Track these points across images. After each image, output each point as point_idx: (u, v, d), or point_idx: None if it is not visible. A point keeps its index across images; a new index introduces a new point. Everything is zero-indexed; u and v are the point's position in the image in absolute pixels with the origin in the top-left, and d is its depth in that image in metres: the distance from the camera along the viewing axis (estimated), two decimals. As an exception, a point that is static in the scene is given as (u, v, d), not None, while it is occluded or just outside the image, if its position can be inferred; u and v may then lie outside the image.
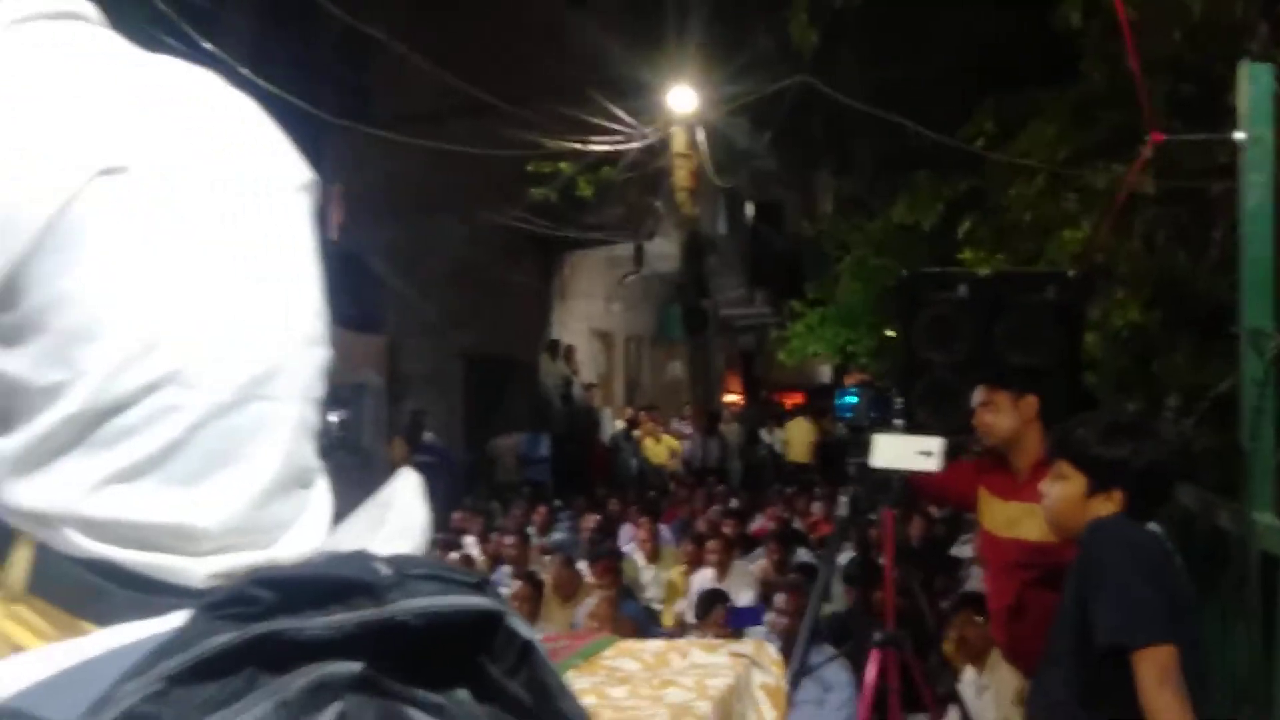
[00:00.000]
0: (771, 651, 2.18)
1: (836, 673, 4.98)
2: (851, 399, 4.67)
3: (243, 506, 1.24)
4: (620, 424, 16.29)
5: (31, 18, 1.23)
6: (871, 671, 4.22)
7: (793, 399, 20.64)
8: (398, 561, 1.14)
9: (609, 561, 6.98)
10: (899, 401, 5.04)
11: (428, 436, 12.73)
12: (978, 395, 3.84)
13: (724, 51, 14.40)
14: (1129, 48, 5.05)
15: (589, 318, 18.04)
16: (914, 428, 4.62)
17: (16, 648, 1.16)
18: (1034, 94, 8.40)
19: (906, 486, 4.37)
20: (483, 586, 1.17)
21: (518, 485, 13.37)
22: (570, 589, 6.91)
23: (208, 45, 8.28)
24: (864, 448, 4.29)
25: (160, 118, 1.23)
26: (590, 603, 6.47)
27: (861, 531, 4.54)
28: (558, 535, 9.63)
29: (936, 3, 12.21)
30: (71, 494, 1.13)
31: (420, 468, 1.68)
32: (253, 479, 1.25)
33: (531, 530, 9.41)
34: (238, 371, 1.21)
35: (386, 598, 1.09)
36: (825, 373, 21.51)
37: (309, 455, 1.34)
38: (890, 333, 14.14)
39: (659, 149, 15.13)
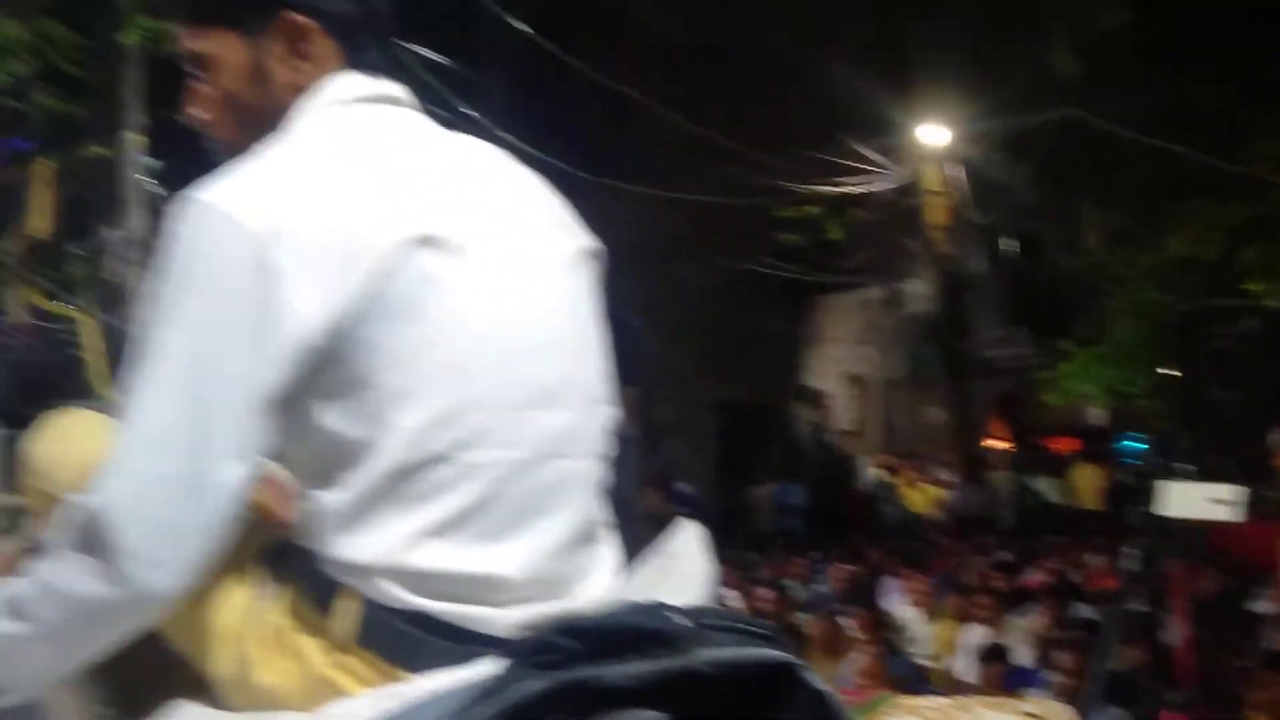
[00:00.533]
0: (1061, 712, 2.06)
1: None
2: (1137, 443, 4.42)
3: (544, 559, 1.29)
4: (877, 471, 15.97)
5: (353, 101, 1.33)
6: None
7: (1062, 443, 19.75)
8: (694, 612, 1.15)
9: (875, 615, 6.82)
10: (1186, 446, 4.76)
11: (680, 486, 12.85)
12: (1276, 437, 3.57)
13: (977, 84, 14.08)
14: None
15: (842, 362, 17.84)
16: (1204, 473, 4.34)
17: (341, 694, 1.23)
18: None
19: (1200, 537, 4.10)
20: (776, 638, 1.17)
21: (773, 535, 13.28)
22: (835, 644, 6.78)
23: (466, 109, 8.72)
24: (1151, 495, 4.05)
25: (465, 194, 1.31)
26: (857, 658, 6.32)
27: (1151, 585, 4.27)
28: (817, 587, 9.49)
29: (1207, 22, 11.56)
30: (391, 548, 1.21)
31: (673, 519, 1.69)
32: (553, 532, 1.30)
33: (789, 582, 9.31)
34: (539, 432, 1.28)
35: (684, 648, 1.10)
36: (1095, 415, 20.47)
37: (599, 509, 1.39)
38: (1170, 371, 13.36)
39: (911, 187, 14.89)
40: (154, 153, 8.17)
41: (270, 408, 1.17)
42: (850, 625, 7.08)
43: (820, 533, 13.40)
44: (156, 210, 8.41)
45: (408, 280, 1.19)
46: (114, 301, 7.92)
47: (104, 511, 1.14)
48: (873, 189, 13.92)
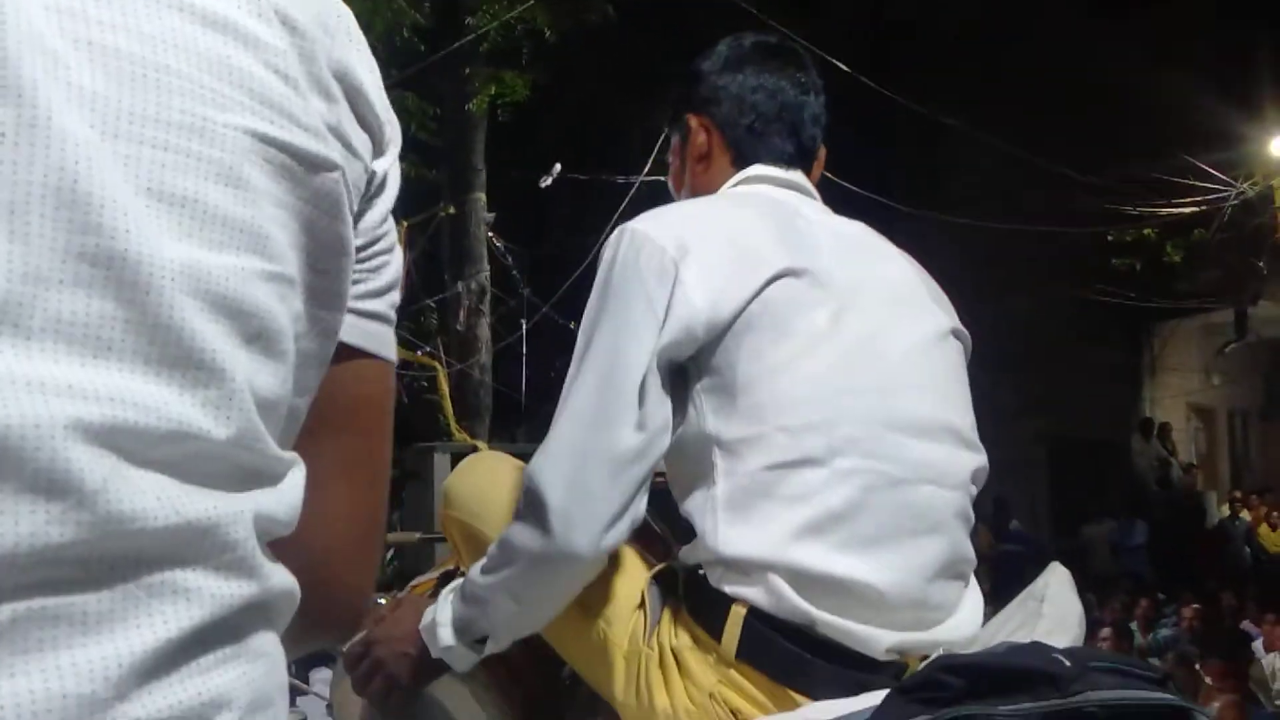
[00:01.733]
0: None
1: None
2: None
3: (914, 578, 1.35)
4: (1227, 508, 14.84)
5: (756, 180, 1.59)
6: None
7: None
8: (1077, 654, 1.17)
9: (1234, 662, 6.36)
10: None
11: (1014, 525, 12.39)
12: None
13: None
14: None
15: (1185, 393, 16.71)
16: None
17: (731, 710, 1.32)
18: None
19: None
20: (1166, 682, 1.16)
21: (1114, 576, 12.57)
22: (1188, 691, 6.37)
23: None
24: None
25: (845, 252, 1.47)
26: (1215, 707, 5.93)
27: None
28: (1164, 631, 8.93)
29: None
30: (774, 541, 1.31)
31: (1007, 557, 1.70)
32: (923, 554, 1.37)
33: (1133, 625, 8.81)
34: (910, 455, 1.38)
35: (1071, 689, 1.12)
36: None
37: (968, 545, 1.43)
38: None
39: (1258, 205, 13.83)
40: (494, 208, 8.76)
41: (664, 387, 1.35)
42: (1205, 672, 6.64)
43: (1165, 574, 12.58)
44: (498, 261, 9.00)
45: (782, 300, 1.36)
46: (462, 348, 8.52)
47: (536, 476, 1.33)
48: (1215, 207, 13.03)
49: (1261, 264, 14.82)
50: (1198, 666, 6.75)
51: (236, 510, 0.60)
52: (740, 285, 1.36)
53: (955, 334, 1.54)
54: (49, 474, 0.53)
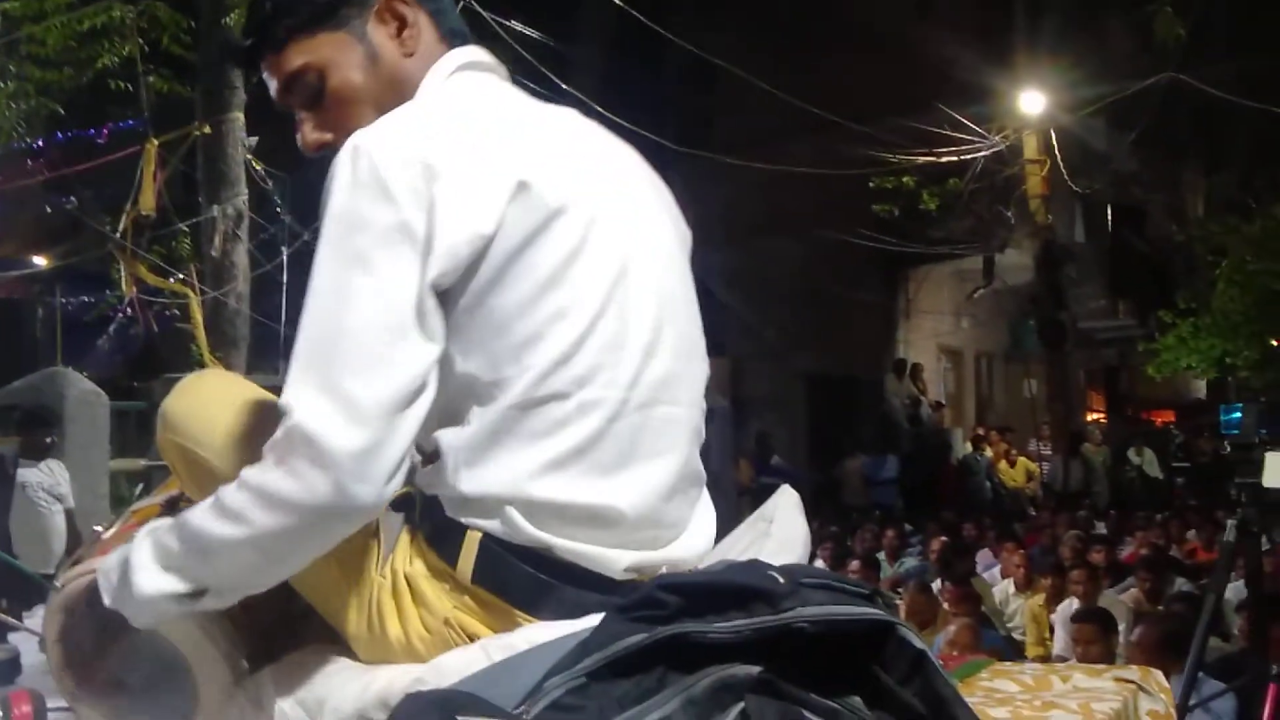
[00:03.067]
0: (1159, 678, 2.05)
1: (1228, 712, 4.61)
2: (1237, 414, 4.33)
3: (653, 498, 1.35)
4: (971, 445, 15.78)
5: (464, 69, 1.45)
6: (1268, 709, 3.89)
7: (1163, 416, 19.31)
8: (791, 570, 1.19)
9: (968, 588, 6.77)
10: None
11: (774, 459, 12.83)
12: None
13: (1077, 50, 13.75)
14: None
15: (937, 335, 17.61)
16: (1310, 444, 4.25)
17: (468, 635, 1.30)
18: None
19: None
20: (874, 597, 1.20)
21: (865, 508, 13.21)
22: (928, 616, 6.75)
23: (563, 85, 8.79)
24: (1253, 466, 3.96)
25: (575, 158, 1.39)
26: (950, 630, 6.30)
27: (1253, 559, 4.19)
28: (909, 561, 9.44)
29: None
30: (515, 479, 1.28)
31: (766, 490, 1.73)
32: (660, 473, 1.36)
33: (881, 556, 9.27)
34: (647, 374, 1.35)
35: (783, 605, 1.14)
36: (1200, 387, 19.97)
37: (699, 461, 1.44)
38: (1276, 342, 12.99)
39: (1009, 156, 14.61)
40: (254, 130, 8.37)
41: (435, 320, 1.25)
42: (943, 598, 7.05)
43: (914, 507, 13.30)
44: (257, 186, 8.63)
45: (529, 225, 1.28)
46: (218, 275, 8.15)
47: (308, 420, 1.20)
48: (970, 158, 13.69)
49: (1010, 214, 15.69)
50: (934, 593, 7.17)
51: None
52: (491, 209, 1.26)
53: (683, 239, 1.52)
54: None
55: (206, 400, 1.48)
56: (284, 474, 1.21)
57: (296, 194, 9.11)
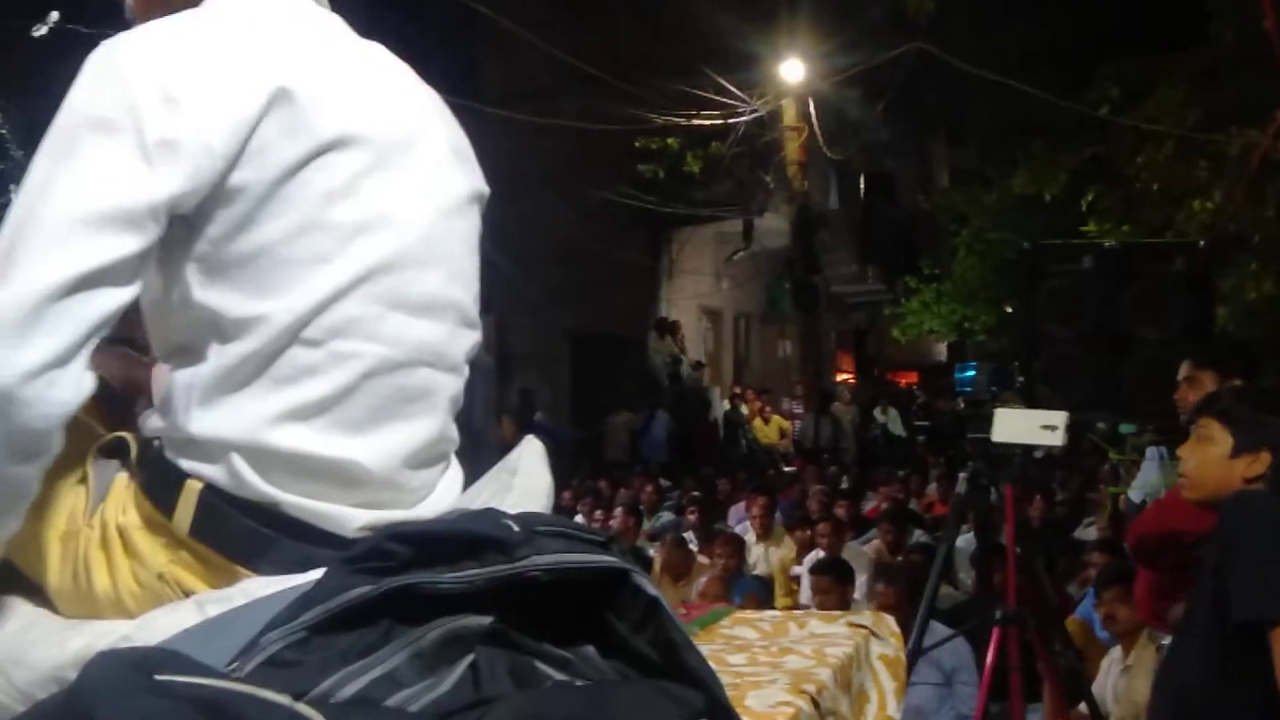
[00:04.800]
0: (891, 623, 2.14)
1: (958, 654, 4.90)
2: (971, 373, 4.58)
3: (397, 461, 1.28)
4: (728, 403, 16.25)
5: None
6: (992, 651, 4.15)
7: (907, 378, 20.37)
8: (526, 519, 1.15)
9: (720, 540, 6.99)
10: (1019, 378, 4.94)
11: (538, 416, 12.86)
12: (1183, 370, 3.72)
13: (834, 21, 14.20)
14: (1266, 5, 4.84)
15: (698, 295, 18.00)
16: (1035, 404, 4.53)
17: (184, 590, 1.21)
18: (1159, 57, 8.11)
19: (1026, 462, 4.26)
20: (609, 545, 1.18)
21: (627, 464, 13.42)
22: (682, 569, 6.91)
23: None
24: (984, 423, 4.19)
25: (370, 92, 1.29)
26: (701, 582, 6.47)
27: (981, 510, 4.45)
28: (665, 515, 9.65)
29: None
30: (252, 423, 1.19)
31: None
32: (409, 436, 1.29)
33: (641, 509, 9.44)
34: (410, 336, 1.27)
35: (516, 554, 1.11)
36: (941, 350, 21.15)
37: (453, 427, 1.38)
38: (1010, 308, 13.84)
39: (768, 122, 14.99)
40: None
41: (139, 214, 1.12)
42: (697, 550, 7.24)
43: (673, 463, 13.60)
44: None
45: (293, 156, 1.18)
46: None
47: None
48: (731, 123, 13.97)
49: (769, 178, 16.14)
50: (691, 546, 7.35)
51: None
52: (248, 137, 1.16)
53: (477, 197, 1.42)
54: None
55: None
56: None
57: (30, 128, 8.47)
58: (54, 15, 7.55)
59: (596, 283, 14.43)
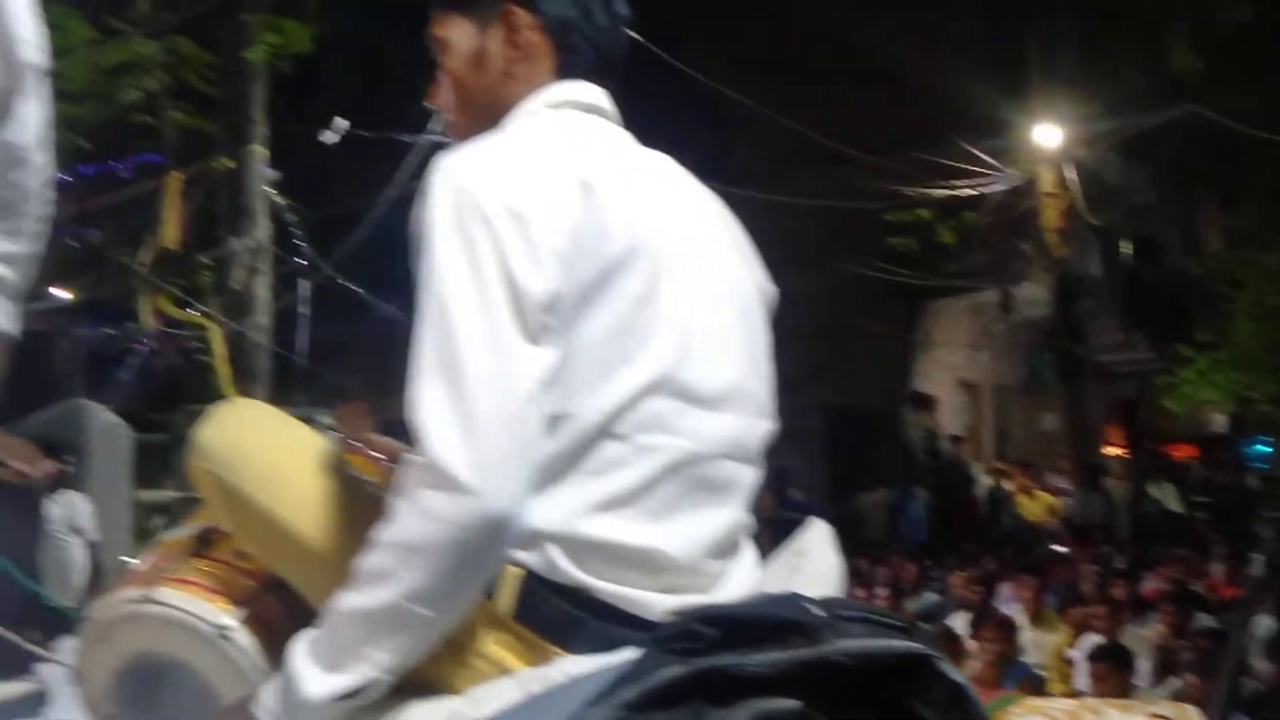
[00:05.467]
0: (1195, 715, 2.04)
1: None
2: (1264, 448, 4.30)
3: (700, 549, 1.35)
4: (991, 478, 15.71)
5: (564, 105, 1.46)
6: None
7: (1183, 450, 19.18)
8: (828, 604, 1.19)
9: (990, 622, 6.75)
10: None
11: (793, 492, 12.78)
12: None
13: (1092, 84, 13.77)
14: None
15: (954, 368, 17.57)
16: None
17: (503, 669, 1.29)
18: None
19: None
20: (911, 630, 1.20)
21: (885, 542, 13.13)
22: (950, 651, 6.70)
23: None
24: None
25: (660, 203, 1.40)
26: (972, 665, 6.25)
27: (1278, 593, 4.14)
28: (929, 595, 9.38)
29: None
30: (566, 515, 1.28)
31: (785, 524, 1.74)
32: (711, 526, 1.37)
33: (902, 591, 9.22)
34: (709, 429, 1.36)
35: (820, 638, 1.14)
36: (1218, 421, 19.83)
37: (748, 516, 1.45)
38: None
39: (1024, 190, 14.61)
40: (275, 164, 8.44)
41: (531, 317, 1.25)
42: (965, 632, 7.01)
43: (933, 541, 13.21)
44: (279, 220, 8.68)
45: (606, 262, 1.29)
46: (239, 308, 8.20)
47: (436, 457, 1.21)
48: (985, 191, 13.69)
49: (1026, 247, 15.69)
50: (959, 630, 7.12)
51: None
52: (575, 238, 1.27)
53: (762, 291, 1.52)
54: None
55: (240, 429, 1.49)
56: (412, 518, 1.21)
57: (318, 228, 9.18)
58: (343, 124, 8.21)
59: (850, 357, 14.33)
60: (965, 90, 13.35)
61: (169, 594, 1.52)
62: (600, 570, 1.28)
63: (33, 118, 0.71)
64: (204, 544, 1.61)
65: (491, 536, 1.21)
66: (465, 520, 1.19)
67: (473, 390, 1.21)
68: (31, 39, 0.67)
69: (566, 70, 1.47)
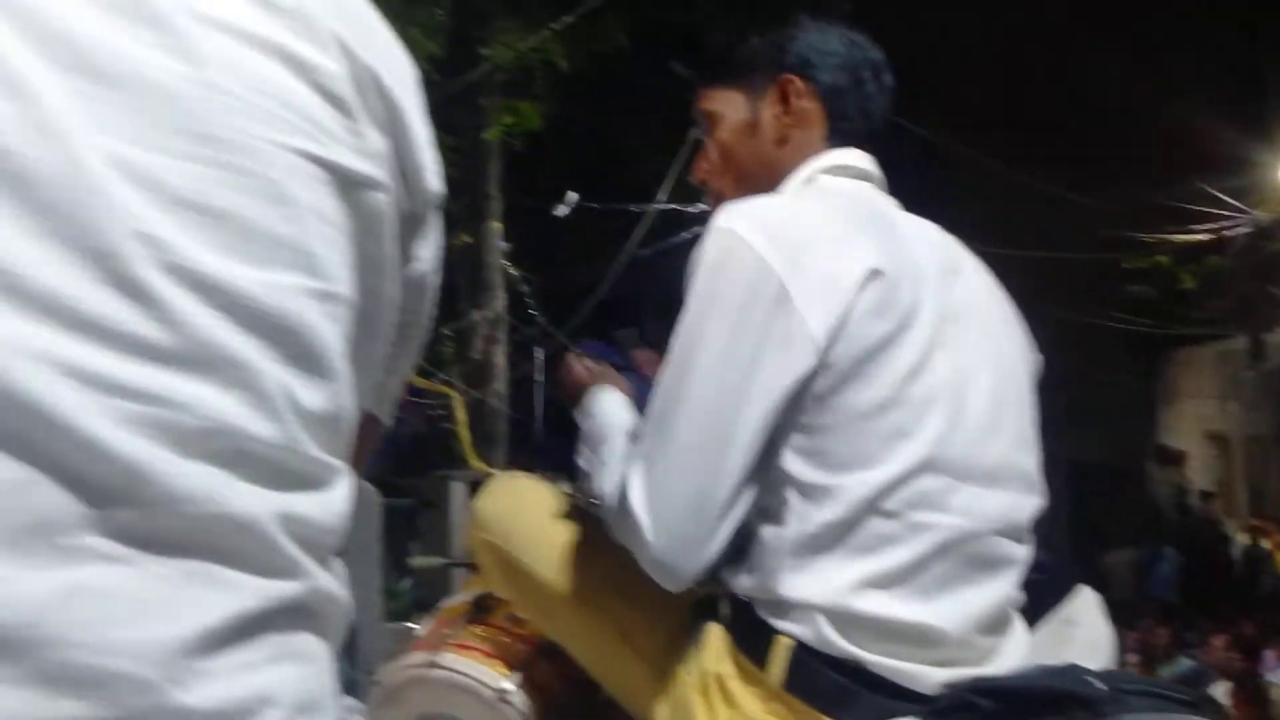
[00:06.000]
0: None
1: None
2: None
3: (973, 626, 1.34)
4: (1245, 536, 14.73)
5: (838, 171, 1.49)
6: None
7: None
8: (1108, 676, 1.17)
9: (1255, 689, 6.33)
10: None
11: (1036, 552, 12.31)
12: None
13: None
14: None
15: (1202, 419, 16.61)
16: None
17: None
18: None
19: None
20: (1200, 705, 1.16)
21: (1136, 604, 12.47)
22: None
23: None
24: None
25: (928, 273, 1.39)
26: (1237, 734, 5.88)
27: None
28: (1184, 661, 8.86)
29: None
30: (835, 589, 1.29)
31: (1032, 585, 1.69)
32: (983, 603, 1.35)
33: (1154, 654, 8.75)
34: (982, 505, 1.35)
35: (1103, 712, 1.12)
36: None
37: (1019, 590, 1.43)
38: None
39: (1272, 230, 13.79)
40: (508, 237, 8.81)
41: (770, 426, 1.30)
42: (1227, 698, 6.59)
43: (1185, 602, 12.48)
44: (514, 291, 9.04)
45: (875, 335, 1.30)
46: (479, 377, 8.55)
47: (633, 507, 1.30)
48: (1228, 234, 13.00)
49: (1276, 291, 14.77)
50: (1220, 695, 6.70)
51: (276, 509, 0.61)
52: (845, 317, 1.28)
53: (1029, 361, 1.50)
54: (93, 451, 0.54)
55: (514, 501, 1.58)
56: (619, 524, 1.34)
57: (549, 296, 9.49)
58: (573, 196, 8.51)
59: (1091, 411, 13.76)
60: (1201, 129, 12.75)
61: (452, 659, 1.62)
62: (871, 644, 1.29)
63: (432, 244, 0.78)
64: (481, 610, 1.71)
65: (677, 582, 1.32)
66: (651, 567, 1.30)
67: (678, 460, 1.28)
68: (435, 168, 0.75)
69: (837, 137, 1.50)
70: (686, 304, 1.32)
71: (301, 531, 0.63)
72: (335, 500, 0.67)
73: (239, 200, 0.61)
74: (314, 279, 0.64)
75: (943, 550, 1.31)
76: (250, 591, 0.60)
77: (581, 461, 1.46)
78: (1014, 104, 13.62)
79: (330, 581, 0.65)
